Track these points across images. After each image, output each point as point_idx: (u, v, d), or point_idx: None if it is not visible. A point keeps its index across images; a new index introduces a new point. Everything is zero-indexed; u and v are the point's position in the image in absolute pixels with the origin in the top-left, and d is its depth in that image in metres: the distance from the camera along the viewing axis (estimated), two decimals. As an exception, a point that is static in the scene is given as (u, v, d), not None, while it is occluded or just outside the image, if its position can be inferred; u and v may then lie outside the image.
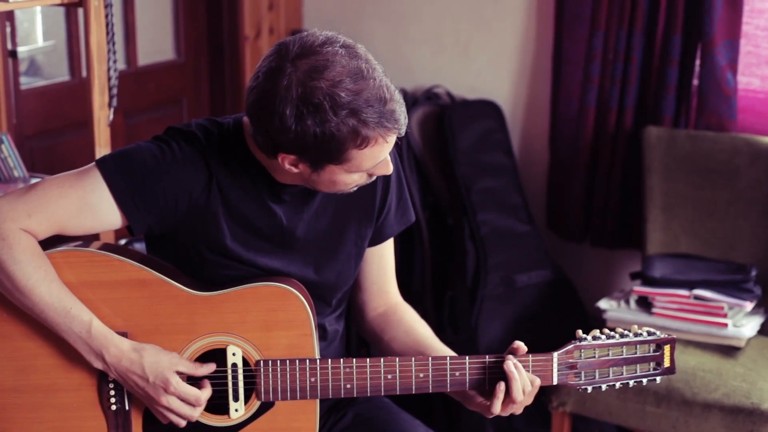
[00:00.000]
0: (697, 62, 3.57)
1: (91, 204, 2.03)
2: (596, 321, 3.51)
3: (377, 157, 1.97)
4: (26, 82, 3.73)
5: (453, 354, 2.17)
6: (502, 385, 2.04)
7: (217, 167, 2.07)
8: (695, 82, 3.60)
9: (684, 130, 3.56)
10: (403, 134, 1.97)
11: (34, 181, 3.08)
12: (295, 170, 2.00)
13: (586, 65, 3.73)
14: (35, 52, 3.61)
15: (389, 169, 2.03)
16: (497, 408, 2.05)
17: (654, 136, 3.55)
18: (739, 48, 3.54)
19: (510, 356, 2.06)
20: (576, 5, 3.74)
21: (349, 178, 2.01)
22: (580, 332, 2.09)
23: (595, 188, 3.81)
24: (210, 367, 2.06)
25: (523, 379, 2.04)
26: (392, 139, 1.96)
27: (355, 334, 3.81)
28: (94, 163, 2.06)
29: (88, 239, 2.18)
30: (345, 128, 1.89)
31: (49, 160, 3.66)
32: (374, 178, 2.05)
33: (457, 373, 2.06)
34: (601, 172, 3.77)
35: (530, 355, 2.07)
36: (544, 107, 3.98)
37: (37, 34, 3.91)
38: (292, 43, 1.93)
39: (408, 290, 3.86)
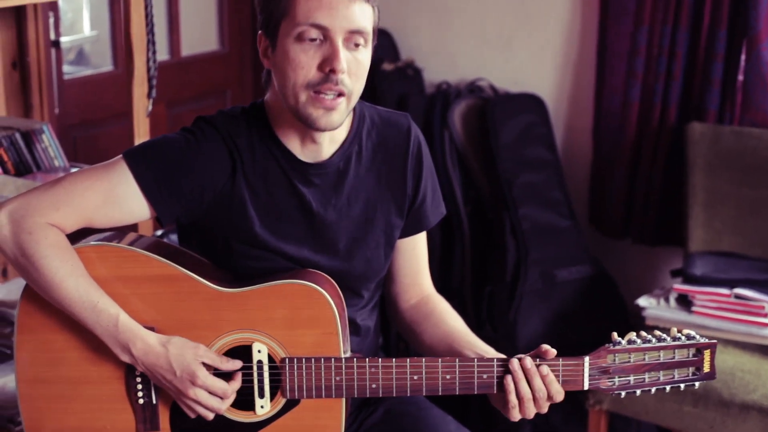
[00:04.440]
0: (743, 57, 3.54)
1: (118, 196, 2.05)
2: (636, 318, 3.49)
3: (315, 8, 1.97)
4: (73, 71, 3.76)
5: (484, 345, 2.15)
6: (508, 378, 2.01)
7: (242, 153, 2.09)
8: (740, 77, 3.57)
9: (728, 126, 3.53)
10: None
11: (74, 170, 3.10)
12: (266, 61, 2.06)
13: (630, 60, 3.72)
14: (79, 42, 3.64)
15: (335, 50, 1.99)
16: (514, 401, 2.02)
17: (698, 132, 3.53)
18: (786, 44, 3.49)
19: (524, 356, 2.02)
20: (620, 0, 3.71)
21: (303, 55, 1.99)
22: (615, 335, 2.03)
23: (637, 184, 3.79)
24: (236, 364, 2.05)
25: (534, 381, 2.00)
26: None
27: (394, 331, 3.81)
28: (121, 155, 2.08)
29: (124, 230, 2.19)
30: None
31: (92, 150, 3.69)
32: (330, 74, 1.99)
33: (485, 376, 2.03)
34: (643, 168, 3.76)
35: (561, 359, 2.03)
36: (587, 102, 3.97)
37: (84, 23, 3.94)
38: None
39: (447, 285, 3.93)
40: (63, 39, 3.58)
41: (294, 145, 2.11)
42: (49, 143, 3.13)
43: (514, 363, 2.01)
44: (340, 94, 2.01)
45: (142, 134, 3.03)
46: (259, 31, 2.09)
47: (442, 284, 3.86)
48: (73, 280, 2.00)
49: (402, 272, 2.31)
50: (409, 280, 2.32)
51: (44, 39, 3.38)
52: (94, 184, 2.04)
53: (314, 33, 1.99)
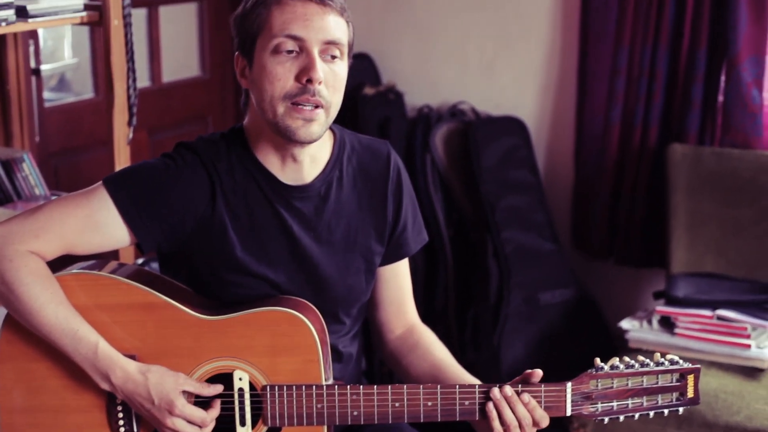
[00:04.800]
0: (723, 78, 3.55)
1: (98, 222, 2.05)
2: (620, 340, 3.49)
3: (290, 20, 2.00)
4: (55, 98, 3.75)
5: (471, 378, 2.15)
6: (490, 405, 2.01)
7: (222, 177, 2.10)
8: (720, 98, 3.57)
9: (709, 148, 3.54)
10: (319, 0, 2.01)
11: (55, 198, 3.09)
12: (244, 81, 2.08)
13: (611, 82, 3.72)
14: (59, 69, 3.63)
15: (311, 61, 2.00)
16: (498, 428, 2.01)
17: (678, 154, 3.53)
18: (765, 64, 3.51)
19: (505, 386, 2.02)
20: (600, 21, 3.73)
21: (280, 67, 2.00)
22: (597, 360, 2.03)
23: (619, 206, 3.79)
24: (217, 388, 2.05)
25: (516, 408, 2.00)
26: (305, 6, 2.01)
27: (378, 355, 3.79)
28: (101, 181, 2.08)
29: (107, 257, 2.21)
30: None
31: (73, 178, 3.67)
32: (307, 84, 2.00)
33: (467, 402, 2.02)
34: (625, 190, 3.75)
35: (543, 385, 2.02)
36: (568, 124, 3.97)
37: (65, 50, 3.94)
38: None
39: (431, 308, 3.91)
40: (43, 67, 3.58)
41: (274, 166, 2.11)
42: (30, 172, 3.12)
43: (495, 392, 2.01)
44: (318, 106, 2.02)
45: (122, 162, 3.02)
46: (236, 53, 2.11)
47: (425, 308, 3.86)
48: (52, 307, 2.01)
49: (386, 301, 2.31)
50: (394, 309, 2.32)
51: (24, 67, 3.37)
52: (74, 210, 2.05)
53: (290, 45, 2.01)
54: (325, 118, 2.04)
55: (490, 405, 2.01)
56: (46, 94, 3.80)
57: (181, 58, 4.19)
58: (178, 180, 2.08)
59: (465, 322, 3.89)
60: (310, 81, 1.99)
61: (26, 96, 3.31)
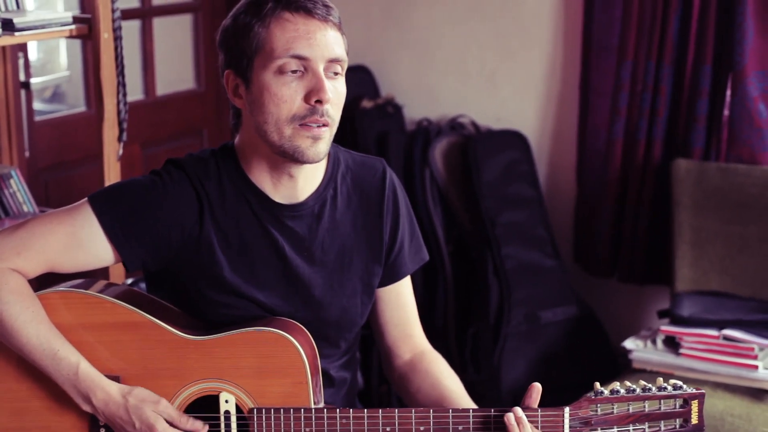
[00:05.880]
0: (728, 93, 3.51)
1: (81, 240, 2.03)
2: (623, 359, 3.45)
3: (293, 39, 1.96)
4: (51, 109, 3.74)
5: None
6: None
7: (211, 196, 2.06)
8: (726, 113, 3.54)
9: (714, 163, 3.50)
10: (318, 15, 1.98)
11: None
12: (239, 101, 2.03)
13: (614, 96, 3.70)
14: (52, 82, 3.61)
15: (319, 81, 1.97)
16: None
17: (683, 169, 3.50)
18: (772, 78, 3.48)
19: (516, 408, 1.97)
20: (604, 35, 3.71)
21: (285, 88, 1.96)
22: (597, 385, 1.99)
23: (623, 222, 3.76)
24: (196, 425, 2.02)
25: None
26: (307, 23, 1.97)
27: (376, 372, 3.77)
28: (86, 198, 2.06)
29: (97, 274, 2.23)
30: (246, 6, 2.00)
31: (64, 194, 3.67)
32: (317, 105, 1.96)
33: (460, 427, 1.98)
34: (629, 206, 3.72)
35: (540, 410, 1.98)
36: (570, 138, 3.95)
37: (60, 62, 3.92)
38: None
39: (430, 326, 3.86)
40: (36, 79, 3.56)
41: (267, 185, 2.08)
42: (18, 188, 3.09)
43: (511, 417, 1.96)
44: (325, 124, 1.98)
45: (113, 179, 2.99)
46: (226, 71, 2.05)
47: (424, 325, 3.71)
48: (33, 326, 1.99)
49: (390, 324, 2.27)
50: (399, 332, 2.27)
51: (13, 80, 3.35)
52: (57, 227, 2.03)
53: (295, 64, 1.97)
54: (330, 135, 2.01)
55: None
56: (41, 106, 3.81)
57: (176, 70, 4.18)
58: (165, 198, 2.05)
59: (464, 341, 3.87)
60: (320, 102, 1.96)
61: (15, 110, 3.29)
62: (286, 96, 1.96)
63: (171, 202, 2.05)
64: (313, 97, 1.96)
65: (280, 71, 1.96)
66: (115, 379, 2.02)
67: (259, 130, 2.00)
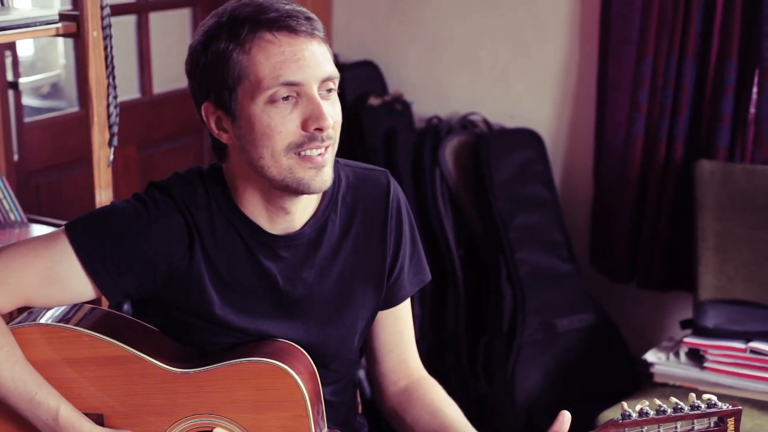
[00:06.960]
0: (754, 90, 3.45)
1: (58, 275, 1.91)
2: (643, 366, 3.38)
3: (281, 64, 1.81)
4: (48, 107, 3.70)
5: None
6: None
7: (201, 226, 1.94)
8: (752, 111, 3.47)
9: (739, 164, 3.43)
10: (302, 31, 1.83)
11: (32, 225, 2.93)
12: (224, 135, 1.88)
13: (634, 93, 3.62)
14: (44, 81, 3.51)
15: (317, 107, 1.82)
16: None
17: (707, 171, 3.41)
18: (801, 75, 3.41)
19: None
20: (623, 28, 3.63)
21: (279, 117, 1.81)
22: (624, 405, 1.86)
23: (642, 225, 3.69)
24: None
25: None
26: (292, 43, 1.82)
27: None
28: (63, 227, 1.94)
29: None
30: (218, 30, 1.85)
31: (56, 199, 3.59)
32: (316, 133, 1.83)
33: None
34: (649, 208, 3.66)
35: None
36: (587, 137, 3.88)
37: (57, 59, 3.85)
38: None
39: (440, 335, 3.85)
40: (28, 79, 3.46)
41: (261, 218, 1.95)
42: (4, 195, 2.95)
43: None
44: (326, 147, 1.85)
45: (103, 186, 2.83)
46: (204, 103, 1.88)
47: (433, 335, 3.80)
48: (7, 368, 1.89)
49: (385, 348, 2.15)
50: (395, 358, 2.15)
51: (0, 81, 3.25)
52: (33, 261, 1.91)
53: (286, 91, 1.81)
54: (332, 156, 1.89)
55: None
56: (37, 102, 3.73)
57: (174, 67, 4.06)
58: (151, 230, 1.92)
59: (476, 350, 3.79)
60: (320, 129, 1.82)
61: (2, 112, 3.14)
62: (280, 126, 1.82)
63: (158, 233, 1.92)
64: (312, 126, 1.82)
65: (271, 101, 1.81)
66: (99, 417, 1.93)
67: (254, 165, 1.86)
